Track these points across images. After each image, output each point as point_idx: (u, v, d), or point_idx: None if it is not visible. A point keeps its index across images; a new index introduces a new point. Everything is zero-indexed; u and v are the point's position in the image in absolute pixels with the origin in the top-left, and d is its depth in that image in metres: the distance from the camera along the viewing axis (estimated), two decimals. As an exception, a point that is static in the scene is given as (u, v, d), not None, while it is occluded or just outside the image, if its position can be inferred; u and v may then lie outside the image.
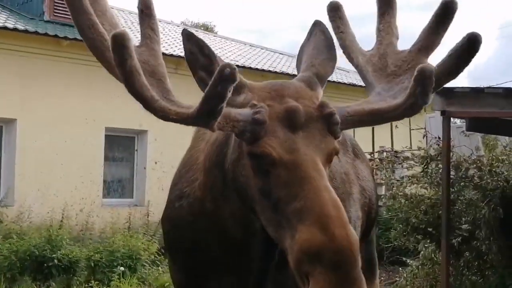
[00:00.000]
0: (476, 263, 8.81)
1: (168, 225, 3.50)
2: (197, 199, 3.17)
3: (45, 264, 11.03)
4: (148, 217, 14.55)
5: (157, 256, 12.59)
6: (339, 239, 2.28)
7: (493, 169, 8.80)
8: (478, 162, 9.07)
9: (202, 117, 2.40)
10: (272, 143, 2.51)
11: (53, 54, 13.88)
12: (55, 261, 11.01)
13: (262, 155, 2.53)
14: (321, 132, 2.58)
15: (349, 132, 5.00)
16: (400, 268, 10.26)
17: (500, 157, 9.19)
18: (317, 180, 2.44)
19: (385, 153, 15.13)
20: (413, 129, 15.31)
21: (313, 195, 2.40)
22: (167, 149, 14.83)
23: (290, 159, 2.49)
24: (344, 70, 20.97)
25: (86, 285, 10.84)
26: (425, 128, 13.26)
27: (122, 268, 11.19)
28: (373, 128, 16.38)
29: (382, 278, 12.57)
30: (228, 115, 2.49)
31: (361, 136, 11.13)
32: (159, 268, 12.43)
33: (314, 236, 2.31)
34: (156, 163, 15.24)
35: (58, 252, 11.13)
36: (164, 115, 2.48)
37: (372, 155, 15.95)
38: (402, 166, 12.16)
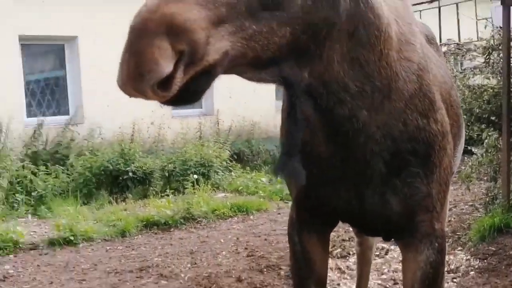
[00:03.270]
0: (541, 147, 8.77)
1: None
2: None
3: (120, 178, 11.40)
4: (218, 125, 14.70)
5: (229, 162, 12.90)
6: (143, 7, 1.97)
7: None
8: (540, 48, 8.88)
9: None
10: None
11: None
12: (130, 173, 11.38)
13: None
14: None
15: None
16: (466, 157, 10.28)
17: None
18: None
19: (452, 46, 14.83)
20: (479, 20, 14.94)
21: None
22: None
23: None
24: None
25: (162, 194, 11.14)
26: (490, 18, 12.97)
27: (195, 176, 11.52)
28: (439, 21, 16.11)
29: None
30: None
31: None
32: (232, 173, 12.75)
33: None
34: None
35: (132, 165, 11.48)
36: None
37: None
38: (465, 58, 11.97)
